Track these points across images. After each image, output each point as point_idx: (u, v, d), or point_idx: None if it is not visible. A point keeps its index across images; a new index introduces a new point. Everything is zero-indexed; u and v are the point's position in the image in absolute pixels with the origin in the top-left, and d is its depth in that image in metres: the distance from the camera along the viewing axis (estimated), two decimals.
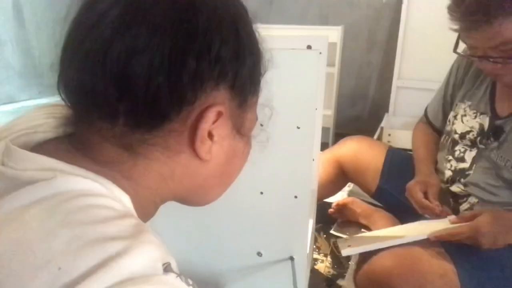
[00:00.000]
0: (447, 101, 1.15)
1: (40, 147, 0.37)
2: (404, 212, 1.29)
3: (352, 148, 1.38)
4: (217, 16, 0.35)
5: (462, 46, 0.93)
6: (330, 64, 2.19)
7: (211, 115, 0.36)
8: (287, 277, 0.95)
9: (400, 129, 2.16)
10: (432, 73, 2.09)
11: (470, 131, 1.00)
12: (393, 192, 1.27)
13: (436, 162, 1.14)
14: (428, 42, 2.00)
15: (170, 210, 0.93)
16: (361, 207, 1.45)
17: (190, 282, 0.32)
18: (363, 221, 1.44)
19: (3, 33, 2.42)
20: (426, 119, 1.23)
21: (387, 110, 2.30)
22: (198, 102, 0.35)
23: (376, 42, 2.43)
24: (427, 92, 2.14)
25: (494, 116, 0.96)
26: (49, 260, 0.27)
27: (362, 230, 1.44)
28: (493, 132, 0.95)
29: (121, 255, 0.28)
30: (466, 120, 1.02)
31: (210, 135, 0.37)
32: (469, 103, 1.03)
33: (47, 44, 2.28)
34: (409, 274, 0.88)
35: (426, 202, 1.00)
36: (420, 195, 1.02)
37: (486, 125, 0.97)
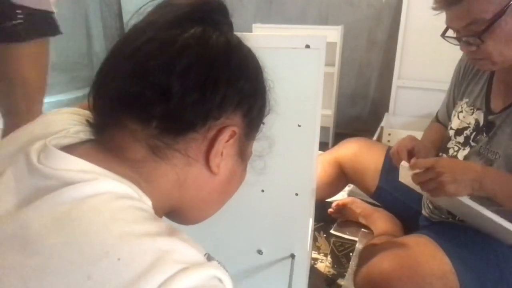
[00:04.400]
0: (450, 101, 1.15)
1: (71, 150, 0.39)
2: (403, 211, 1.30)
3: (352, 149, 1.38)
4: (246, 59, 0.45)
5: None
6: (330, 64, 2.19)
7: (227, 133, 0.42)
8: (287, 274, 0.95)
9: (400, 129, 2.16)
10: (432, 73, 2.10)
11: (467, 127, 1.01)
12: (393, 192, 1.27)
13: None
14: (428, 42, 1.99)
15: None
16: (360, 207, 1.46)
17: (226, 269, 0.37)
18: (362, 221, 1.44)
19: None
20: (436, 120, 1.24)
21: (387, 110, 2.30)
22: (220, 120, 0.42)
23: (376, 42, 2.43)
24: (427, 92, 2.15)
25: (488, 111, 0.97)
26: (107, 251, 0.30)
27: (362, 229, 1.44)
28: (486, 127, 0.95)
29: (173, 249, 0.32)
30: (463, 116, 1.03)
31: (221, 152, 0.44)
32: (467, 100, 1.03)
33: None
34: (408, 276, 0.88)
35: (394, 153, 1.00)
36: (403, 152, 1.00)
37: (481, 121, 0.97)
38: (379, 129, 2.15)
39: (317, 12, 2.50)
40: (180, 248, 0.33)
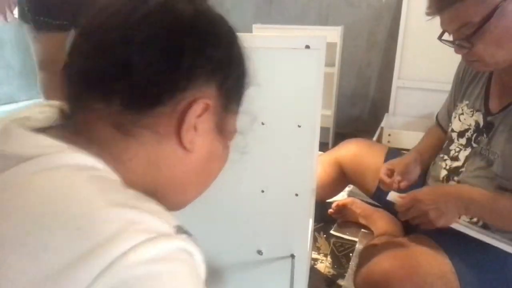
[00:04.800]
0: (451, 103, 1.16)
1: (36, 132, 0.38)
2: None
3: (352, 150, 1.38)
4: (215, 26, 0.42)
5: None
6: (330, 64, 2.19)
7: (198, 106, 0.39)
8: (287, 274, 0.95)
9: (400, 129, 2.16)
10: (432, 73, 2.10)
11: (468, 129, 1.01)
12: None
13: (432, 160, 1.15)
14: (428, 42, 1.99)
15: None
16: (360, 207, 1.45)
17: (198, 244, 0.35)
18: (362, 221, 1.44)
19: (3, 33, 2.43)
20: (436, 121, 1.24)
21: (387, 110, 2.30)
22: (190, 92, 0.39)
23: (376, 42, 2.43)
24: (427, 92, 2.15)
25: (486, 112, 0.97)
26: (66, 221, 0.29)
27: (362, 230, 1.44)
28: (486, 128, 0.96)
29: (138, 220, 0.31)
30: (464, 119, 1.03)
31: (195, 127, 0.41)
32: (467, 102, 1.04)
33: None
34: (408, 276, 0.88)
35: (382, 176, 1.07)
36: (382, 172, 1.08)
37: (481, 122, 0.98)
38: (379, 130, 2.15)
39: (317, 13, 2.50)
40: (146, 218, 0.32)
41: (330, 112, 2.29)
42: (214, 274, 1.02)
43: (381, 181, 1.08)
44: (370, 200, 1.44)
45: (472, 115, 1.01)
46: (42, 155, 0.33)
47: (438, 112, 1.25)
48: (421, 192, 0.94)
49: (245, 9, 2.63)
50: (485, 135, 0.96)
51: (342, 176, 1.39)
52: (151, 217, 0.32)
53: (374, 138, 2.05)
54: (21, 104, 2.56)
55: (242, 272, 0.99)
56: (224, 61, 0.42)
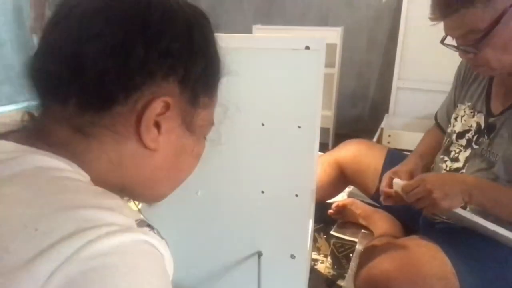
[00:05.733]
0: (451, 104, 1.16)
1: None
2: (403, 212, 1.30)
3: (352, 151, 1.38)
4: (171, 15, 0.39)
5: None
6: (330, 64, 2.19)
7: (157, 104, 0.38)
8: (287, 275, 0.95)
9: (400, 130, 2.15)
10: (432, 74, 2.10)
11: (469, 130, 1.01)
12: None
13: (432, 163, 1.15)
14: (428, 43, 1.99)
15: (171, 209, 0.94)
16: (361, 208, 1.45)
17: (163, 237, 0.35)
18: (363, 222, 1.44)
19: (3, 33, 2.43)
20: (435, 121, 1.24)
21: (387, 111, 2.30)
22: (147, 90, 0.38)
23: (376, 42, 2.43)
24: (427, 92, 2.15)
25: (488, 114, 0.97)
26: (25, 224, 0.29)
27: (362, 231, 1.44)
28: (487, 130, 0.96)
29: (98, 219, 0.31)
30: (464, 120, 1.03)
31: (158, 125, 0.39)
32: (468, 103, 1.04)
33: None
34: (409, 277, 0.88)
35: (383, 188, 1.03)
36: (384, 184, 1.04)
37: (482, 123, 0.97)
38: (379, 130, 2.15)
39: (317, 13, 2.50)
40: (104, 215, 0.32)
41: (330, 113, 2.29)
42: (214, 274, 1.02)
43: (382, 193, 1.04)
44: (370, 201, 1.44)
45: (473, 116, 1.01)
46: (4, 161, 0.34)
47: (436, 112, 1.24)
48: (428, 175, 0.93)
49: (245, 10, 2.63)
50: (486, 137, 0.96)
51: (342, 177, 1.39)
52: (110, 213, 0.32)
53: (374, 139, 2.05)
54: (21, 104, 2.56)
55: (242, 272, 0.99)
56: (183, 54, 0.39)
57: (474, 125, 1.00)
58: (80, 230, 0.29)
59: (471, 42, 0.82)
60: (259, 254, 0.95)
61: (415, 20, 2.05)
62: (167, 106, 0.39)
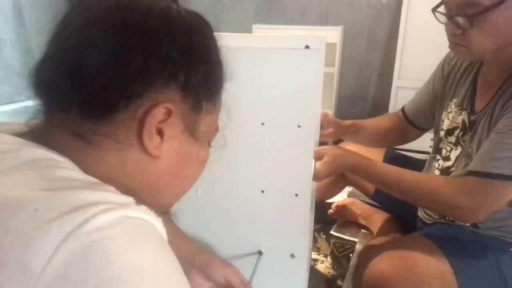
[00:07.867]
0: (423, 98, 1.18)
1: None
2: (402, 213, 1.30)
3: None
4: (170, 22, 0.39)
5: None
6: (330, 64, 2.19)
7: (159, 111, 0.38)
8: (287, 275, 0.95)
9: None
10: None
11: (457, 127, 1.01)
12: None
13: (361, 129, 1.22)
14: (428, 42, 1.99)
15: (170, 209, 0.93)
16: (360, 208, 1.45)
17: (159, 218, 0.36)
18: (362, 222, 1.44)
19: (3, 33, 2.42)
20: (402, 112, 1.25)
21: (387, 110, 2.30)
22: (148, 97, 0.38)
23: (376, 42, 2.43)
24: None
25: (471, 111, 0.97)
26: (24, 205, 0.30)
27: (362, 230, 1.44)
28: (469, 127, 0.96)
29: (96, 200, 0.31)
30: (452, 117, 1.03)
31: (160, 132, 0.39)
32: (455, 100, 1.03)
33: None
34: (407, 277, 0.87)
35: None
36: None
37: (466, 121, 0.97)
38: None
39: (317, 13, 2.50)
40: (103, 195, 0.33)
41: (330, 112, 2.29)
42: None
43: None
44: (369, 201, 1.44)
45: (460, 113, 1.00)
46: (7, 153, 0.35)
47: (404, 105, 1.25)
48: (337, 146, 0.97)
49: (245, 9, 2.63)
50: (469, 134, 0.96)
51: (341, 177, 1.39)
52: (109, 193, 0.34)
53: None
54: (21, 104, 2.56)
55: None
56: (184, 60, 0.39)
57: (461, 122, 1.00)
58: (79, 207, 0.30)
59: (467, 15, 0.79)
60: (259, 254, 0.95)
61: (415, 20, 2.05)
62: (169, 113, 0.39)
